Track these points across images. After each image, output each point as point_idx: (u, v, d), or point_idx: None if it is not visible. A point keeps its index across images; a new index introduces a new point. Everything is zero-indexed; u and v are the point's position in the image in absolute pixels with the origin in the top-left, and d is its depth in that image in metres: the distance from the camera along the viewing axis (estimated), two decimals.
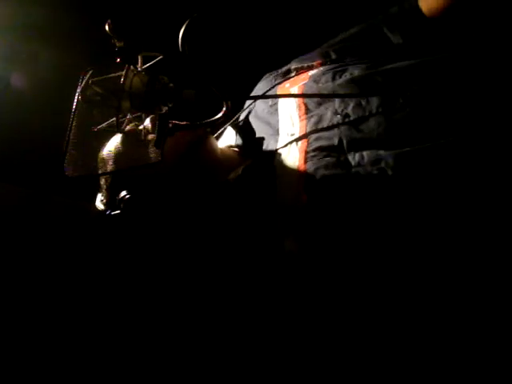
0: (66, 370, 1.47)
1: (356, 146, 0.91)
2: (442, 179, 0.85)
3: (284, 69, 1.18)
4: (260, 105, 1.16)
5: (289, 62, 1.20)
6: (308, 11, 1.60)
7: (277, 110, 1.08)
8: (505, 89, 0.89)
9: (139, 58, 0.88)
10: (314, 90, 1.03)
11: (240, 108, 1.23)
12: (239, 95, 0.99)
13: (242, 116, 1.22)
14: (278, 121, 1.07)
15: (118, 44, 0.85)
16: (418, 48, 1.06)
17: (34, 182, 1.67)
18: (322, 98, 1.01)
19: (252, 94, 1.23)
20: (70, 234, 1.62)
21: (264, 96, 1.13)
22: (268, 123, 1.10)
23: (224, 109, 0.90)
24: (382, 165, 0.87)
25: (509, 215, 0.82)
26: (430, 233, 0.85)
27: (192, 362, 1.30)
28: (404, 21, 1.09)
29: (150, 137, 0.93)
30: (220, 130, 1.19)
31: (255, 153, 1.08)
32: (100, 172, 0.97)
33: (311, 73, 1.09)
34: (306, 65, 1.13)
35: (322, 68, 1.09)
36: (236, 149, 1.16)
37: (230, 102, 0.90)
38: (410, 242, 0.85)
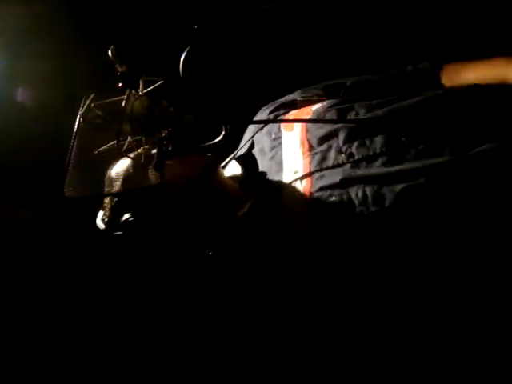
0: (68, 370, 1.46)
1: (359, 182, 0.92)
2: (442, 216, 0.87)
3: (289, 99, 1.18)
4: (263, 138, 1.16)
5: (288, 89, 1.22)
6: (307, 41, 1.62)
7: (280, 144, 1.09)
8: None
9: (140, 82, 0.89)
10: (317, 126, 1.04)
11: (239, 133, 1.24)
12: (238, 119, 1.00)
13: (245, 147, 1.22)
14: (281, 156, 1.07)
15: (120, 69, 0.86)
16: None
17: (34, 203, 1.67)
18: (326, 123, 1.02)
19: (249, 130, 1.24)
20: (67, 252, 1.63)
21: (268, 121, 1.15)
22: (271, 157, 1.10)
23: (223, 133, 0.91)
24: (386, 204, 0.88)
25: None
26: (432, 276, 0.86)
27: (192, 363, 1.30)
28: (416, 80, 1.12)
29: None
30: (225, 162, 1.19)
31: (260, 188, 1.08)
32: (103, 192, 0.98)
33: (314, 107, 1.09)
34: (313, 98, 1.14)
35: (325, 103, 1.09)
36: (240, 182, 1.15)
37: (228, 126, 0.91)
38: (411, 281, 0.86)
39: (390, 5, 1.52)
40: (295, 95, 1.20)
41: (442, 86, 1.12)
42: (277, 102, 1.20)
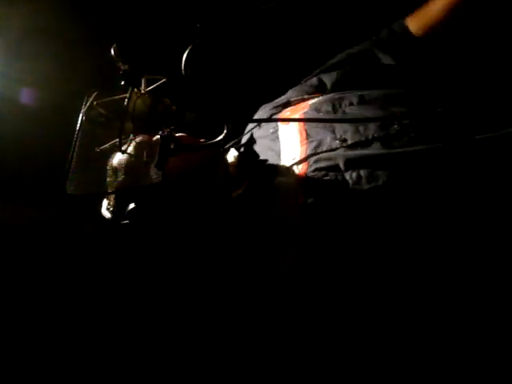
0: (68, 370, 1.47)
1: (353, 165, 0.94)
2: (435, 196, 0.88)
3: (283, 101, 1.20)
4: (262, 133, 1.18)
5: (289, 87, 1.23)
6: (306, 36, 1.63)
7: (278, 137, 1.11)
8: (497, 114, 0.92)
9: (143, 80, 0.90)
10: (314, 117, 1.07)
11: (241, 131, 1.24)
12: (240, 118, 1.01)
13: (244, 139, 1.24)
14: (279, 146, 1.09)
15: (122, 67, 0.87)
16: (409, 70, 1.09)
17: (36, 202, 1.68)
18: (322, 122, 1.03)
19: (249, 126, 1.25)
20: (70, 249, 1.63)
21: (267, 119, 1.16)
22: (270, 149, 1.12)
23: (225, 131, 0.91)
24: (380, 182, 0.90)
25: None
26: (424, 250, 0.87)
27: (191, 364, 1.31)
28: (395, 42, 1.14)
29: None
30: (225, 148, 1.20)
31: (256, 172, 1.11)
32: (108, 186, 0.99)
33: (311, 102, 1.12)
34: (305, 96, 1.16)
35: (321, 98, 1.12)
36: (237, 167, 1.17)
37: (230, 125, 0.91)
38: (405, 258, 0.87)
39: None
40: (288, 96, 1.22)
41: (414, 37, 1.12)
42: (273, 102, 1.23)
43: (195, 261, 1.13)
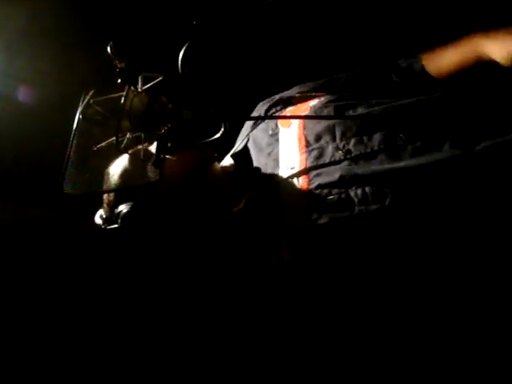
0: (68, 370, 1.47)
1: (357, 181, 0.91)
2: (443, 213, 0.87)
3: (286, 95, 1.18)
4: (260, 134, 1.15)
5: (286, 85, 1.22)
6: (305, 36, 1.62)
7: (277, 140, 1.08)
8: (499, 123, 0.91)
9: (140, 78, 0.89)
10: (315, 122, 1.03)
11: (238, 129, 1.24)
12: (237, 116, 1.00)
13: (242, 144, 1.21)
14: (278, 152, 1.07)
15: (119, 65, 0.86)
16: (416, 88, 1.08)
17: (34, 200, 1.68)
18: (323, 119, 1.02)
19: (246, 126, 1.23)
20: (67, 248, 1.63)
21: (265, 117, 1.14)
22: (268, 154, 1.09)
23: (222, 129, 0.91)
24: (386, 202, 0.88)
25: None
26: (430, 264, 0.86)
27: (192, 363, 1.31)
28: (411, 77, 1.12)
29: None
30: (223, 161, 1.19)
31: (255, 184, 1.08)
32: (102, 188, 0.98)
33: (312, 103, 1.09)
34: (310, 94, 1.13)
35: (323, 99, 1.09)
36: (232, 176, 1.14)
37: (227, 123, 0.91)
38: (413, 281, 0.87)
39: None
40: (292, 91, 1.19)
41: (431, 78, 1.12)
42: (274, 97, 1.19)
43: (192, 269, 1.12)
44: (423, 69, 1.12)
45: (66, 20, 1.60)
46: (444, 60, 1.09)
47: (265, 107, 1.18)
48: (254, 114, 1.22)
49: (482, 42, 1.01)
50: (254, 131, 1.18)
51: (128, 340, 1.50)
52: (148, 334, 1.46)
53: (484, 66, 1.02)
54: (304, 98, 1.13)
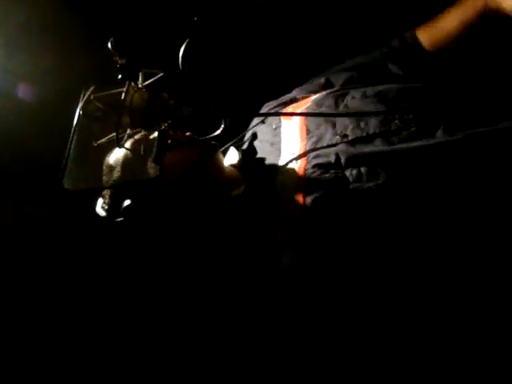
0: (68, 370, 1.47)
1: (353, 162, 0.93)
2: (436, 192, 0.88)
3: (288, 98, 1.21)
4: (264, 129, 1.18)
5: (287, 82, 1.22)
6: (308, 30, 1.62)
7: (280, 133, 1.11)
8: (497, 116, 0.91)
9: (140, 74, 0.89)
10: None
11: (239, 126, 1.24)
12: (238, 112, 1.00)
13: (247, 136, 1.24)
14: (280, 141, 1.09)
15: (119, 61, 0.86)
16: (414, 76, 1.09)
17: (34, 197, 1.68)
18: (323, 116, 1.03)
19: (253, 123, 1.26)
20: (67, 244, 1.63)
21: (268, 114, 1.18)
22: (271, 144, 1.12)
23: (222, 126, 0.91)
24: (380, 181, 0.90)
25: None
26: (424, 247, 0.87)
27: (190, 364, 1.31)
28: (406, 55, 1.14)
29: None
30: (223, 148, 1.20)
31: (256, 172, 1.10)
32: (102, 184, 0.99)
33: (313, 97, 1.12)
34: (311, 94, 1.16)
35: (324, 92, 1.12)
36: (238, 167, 1.17)
37: (228, 119, 0.91)
38: (405, 256, 0.87)
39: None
40: (293, 94, 1.22)
41: (426, 53, 1.13)
42: (278, 100, 1.22)
43: (193, 259, 1.13)
44: (419, 44, 1.12)
45: (66, 15, 1.60)
46: (441, 26, 1.10)
47: (269, 108, 1.22)
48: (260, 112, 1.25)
49: None
50: (259, 127, 1.21)
51: (125, 337, 1.50)
52: (146, 329, 1.46)
53: (484, 28, 1.02)
54: (307, 96, 1.15)
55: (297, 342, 0.93)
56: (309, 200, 0.94)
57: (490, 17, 1.02)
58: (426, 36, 1.12)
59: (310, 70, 1.25)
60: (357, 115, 1.00)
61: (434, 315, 0.86)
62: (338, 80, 1.19)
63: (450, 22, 1.08)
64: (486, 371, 0.83)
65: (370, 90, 1.05)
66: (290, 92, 1.25)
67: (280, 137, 1.10)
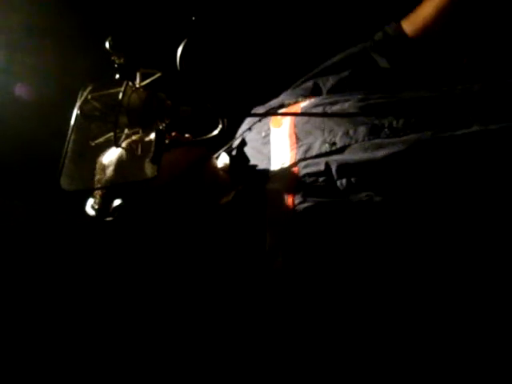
0: (68, 370, 1.47)
1: (343, 171, 0.93)
2: (426, 200, 0.88)
3: (277, 104, 1.20)
4: (253, 136, 1.18)
5: (284, 82, 1.22)
6: (304, 35, 1.62)
7: (269, 141, 1.10)
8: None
9: (138, 74, 0.89)
10: (305, 121, 1.06)
11: (236, 126, 1.24)
12: (235, 113, 1.00)
13: (236, 143, 1.23)
14: (269, 150, 1.09)
15: (117, 61, 0.86)
16: (403, 75, 1.09)
17: (31, 196, 1.68)
18: (316, 117, 1.03)
19: (241, 130, 1.25)
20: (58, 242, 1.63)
21: (264, 114, 1.16)
22: (261, 153, 1.12)
23: (220, 126, 0.91)
24: (370, 190, 0.90)
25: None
26: (417, 253, 0.87)
27: (188, 365, 1.31)
28: (390, 45, 1.14)
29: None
30: (216, 155, 1.20)
31: (247, 179, 1.10)
32: (96, 183, 0.98)
33: (302, 105, 1.11)
34: (300, 99, 1.15)
35: (313, 100, 1.11)
36: (228, 173, 1.16)
37: (226, 120, 0.91)
38: (398, 260, 0.87)
39: None
40: (281, 99, 1.21)
41: (409, 39, 1.13)
42: (266, 105, 1.22)
43: (182, 262, 1.12)
44: (401, 31, 1.13)
45: (65, 17, 1.60)
46: (419, 13, 1.10)
47: (260, 111, 1.21)
48: (247, 119, 1.24)
49: None
50: (249, 134, 1.20)
51: (120, 336, 1.50)
52: (139, 329, 1.45)
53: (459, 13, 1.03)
54: (296, 101, 1.15)
55: (289, 345, 0.94)
56: (300, 209, 0.94)
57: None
58: (408, 24, 1.12)
59: (299, 63, 1.25)
60: (348, 116, 1.00)
61: (431, 316, 0.86)
62: (326, 84, 1.18)
63: (426, 7, 1.09)
64: (486, 371, 0.83)
65: (359, 99, 1.04)
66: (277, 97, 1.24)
67: (269, 145, 1.09)
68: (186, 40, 0.88)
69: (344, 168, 0.93)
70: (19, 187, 1.68)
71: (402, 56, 1.14)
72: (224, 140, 1.19)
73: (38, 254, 1.61)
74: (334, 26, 1.59)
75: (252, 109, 1.24)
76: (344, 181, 0.92)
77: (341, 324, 0.89)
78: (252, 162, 1.14)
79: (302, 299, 0.91)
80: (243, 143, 1.20)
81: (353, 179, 0.92)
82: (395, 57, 1.14)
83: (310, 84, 1.21)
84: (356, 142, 0.95)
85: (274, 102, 1.21)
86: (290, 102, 1.16)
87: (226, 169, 1.14)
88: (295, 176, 0.98)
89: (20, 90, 1.65)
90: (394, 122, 0.95)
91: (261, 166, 1.09)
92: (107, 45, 0.85)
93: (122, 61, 0.86)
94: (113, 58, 0.86)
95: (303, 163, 0.99)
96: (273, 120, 1.13)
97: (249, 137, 1.20)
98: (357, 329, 0.89)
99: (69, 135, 0.90)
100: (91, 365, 1.48)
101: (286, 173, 1.01)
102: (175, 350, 1.36)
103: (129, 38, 0.86)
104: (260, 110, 1.22)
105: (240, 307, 1.03)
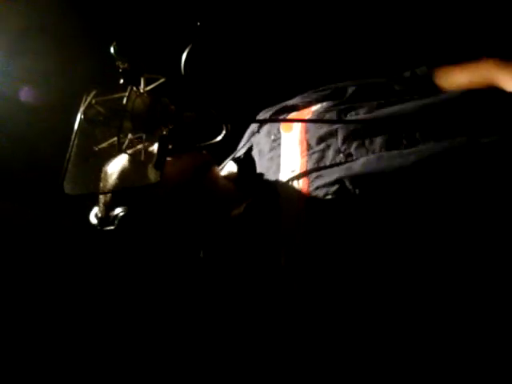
0: (68, 370, 1.47)
1: (359, 183, 0.90)
2: (440, 211, 0.86)
3: (289, 104, 1.17)
4: (262, 139, 1.15)
5: (289, 88, 1.21)
6: (310, 40, 1.62)
7: (279, 145, 1.08)
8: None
9: (142, 79, 0.89)
10: (317, 126, 1.02)
11: (240, 132, 1.23)
12: (239, 119, 1.00)
13: (244, 149, 1.21)
14: (279, 156, 1.06)
15: (122, 66, 0.86)
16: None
17: (32, 200, 1.68)
18: (326, 123, 1.02)
19: (248, 132, 1.23)
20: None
21: (267, 120, 1.14)
22: (270, 159, 1.09)
23: (224, 132, 0.91)
24: (386, 202, 0.88)
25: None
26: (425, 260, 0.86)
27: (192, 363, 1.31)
28: (414, 82, 1.14)
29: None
30: (223, 164, 1.19)
31: (256, 189, 1.07)
32: (100, 189, 0.98)
33: (314, 108, 1.08)
34: (312, 102, 1.13)
35: (325, 104, 1.08)
36: (236, 182, 1.13)
37: (229, 125, 0.91)
38: (408, 270, 0.86)
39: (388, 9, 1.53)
40: (295, 101, 1.19)
41: (438, 88, 1.13)
42: (277, 106, 1.19)
43: (191, 276, 1.12)
44: (428, 74, 1.14)
45: (68, 19, 1.60)
46: (452, 78, 1.12)
47: (268, 114, 1.18)
48: (252, 125, 1.22)
49: (494, 72, 1.04)
50: (257, 137, 1.18)
51: (120, 339, 1.50)
52: (141, 334, 1.45)
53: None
54: (308, 104, 1.13)
55: (300, 349, 0.93)
56: (314, 223, 0.92)
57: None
58: (441, 80, 1.13)
59: (312, 79, 1.24)
60: (361, 123, 0.98)
61: (432, 317, 0.86)
62: (345, 93, 1.14)
63: (461, 78, 1.10)
64: (486, 371, 0.83)
65: (376, 108, 1.01)
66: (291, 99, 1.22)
67: (279, 150, 1.07)
68: (190, 45, 0.88)
69: (359, 180, 0.90)
70: (22, 191, 1.68)
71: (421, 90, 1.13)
72: (228, 147, 1.18)
73: (40, 258, 1.61)
74: (336, 31, 1.59)
75: (256, 115, 1.22)
76: (360, 193, 0.89)
77: (348, 327, 0.89)
78: (260, 167, 1.12)
79: (319, 315, 0.90)
80: (251, 148, 1.19)
81: (369, 192, 0.89)
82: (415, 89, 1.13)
83: (326, 91, 1.17)
84: (373, 152, 0.93)
85: (285, 103, 1.19)
86: (303, 103, 1.14)
87: (232, 177, 1.12)
88: (307, 187, 0.96)
89: (24, 94, 1.65)
90: (414, 133, 0.93)
91: (270, 174, 1.07)
92: (112, 50, 0.85)
93: (126, 66, 0.86)
94: (117, 63, 0.86)
95: (315, 174, 0.96)
96: (283, 123, 1.11)
97: (256, 139, 1.18)
98: (361, 329, 0.88)
99: (72, 140, 0.90)
100: (83, 363, 1.48)
101: (296, 183, 0.98)
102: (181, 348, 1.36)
103: (133, 44, 0.86)
104: (269, 112, 1.19)
105: (256, 326, 1.02)
